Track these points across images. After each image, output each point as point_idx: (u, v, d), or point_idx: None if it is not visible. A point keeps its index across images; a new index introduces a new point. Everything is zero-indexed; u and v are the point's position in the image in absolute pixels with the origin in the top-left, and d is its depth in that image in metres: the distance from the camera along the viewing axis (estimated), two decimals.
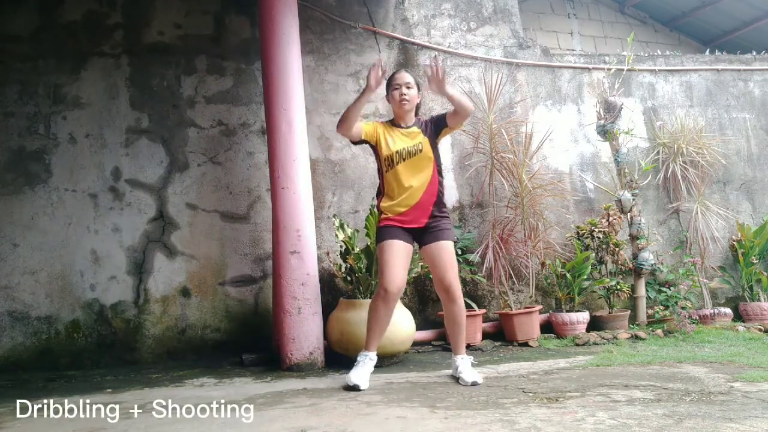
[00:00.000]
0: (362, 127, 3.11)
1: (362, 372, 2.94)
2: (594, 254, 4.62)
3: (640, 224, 4.74)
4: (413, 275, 4.11)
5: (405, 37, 4.95)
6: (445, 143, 4.87)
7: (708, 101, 5.56)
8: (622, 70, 5.15)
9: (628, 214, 4.77)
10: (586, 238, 4.66)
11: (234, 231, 4.40)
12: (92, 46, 4.41)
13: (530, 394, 2.61)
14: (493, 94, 4.76)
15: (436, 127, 3.15)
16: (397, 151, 3.06)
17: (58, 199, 4.22)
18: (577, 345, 4.12)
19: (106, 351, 4.10)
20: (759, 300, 4.96)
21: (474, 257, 4.51)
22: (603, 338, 4.17)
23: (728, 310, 4.87)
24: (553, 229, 4.85)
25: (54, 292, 4.12)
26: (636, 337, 4.19)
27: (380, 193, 3.17)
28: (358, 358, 3.03)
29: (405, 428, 2.13)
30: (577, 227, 4.77)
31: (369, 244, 3.73)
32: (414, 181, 3.04)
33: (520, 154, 4.68)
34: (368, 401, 2.61)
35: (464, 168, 4.84)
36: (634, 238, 4.75)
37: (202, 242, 4.34)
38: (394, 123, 3.19)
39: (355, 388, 2.84)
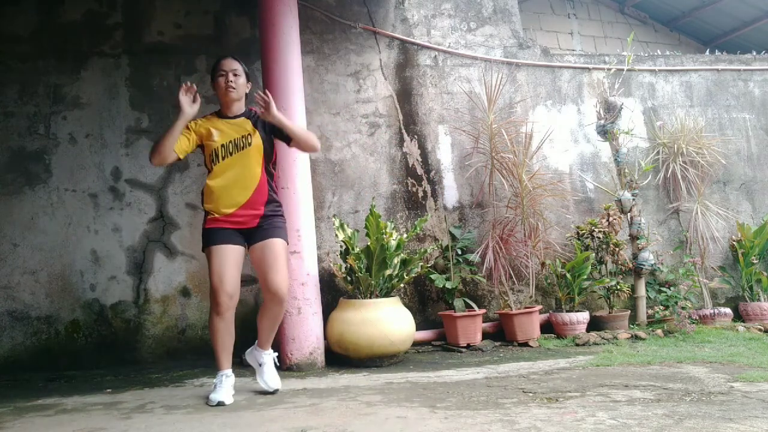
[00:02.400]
0: (178, 148, 2.78)
1: (224, 391, 2.72)
2: (594, 254, 4.62)
3: (640, 224, 4.74)
4: (413, 275, 4.12)
5: (405, 37, 4.95)
6: (445, 143, 4.88)
7: (708, 101, 5.56)
8: (622, 70, 5.15)
9: (628, 214, 4.77)
10: (586, 238, 4.66)
11: None
12: (92, 46, 4.41)
13: (530, 394, 2.61)
14: (493, 94, 4.76)
15: (271, 130, 2.88)
16: (222, 145, 2.80)
17: (58, 199, 4.22)
18: (577, 345, 4.11)
19: (106, 351, 4.10)
20: (759, 300, 4.96)
21: (474, 257, 4.51)
22: (603, 338, 4.17)
23: (728, 310, 4.87)
24: (553, 229, 4.85)
25: (54, 292, 4.12)
26: (636, 337, 4.19)
27: (206, 191, 2.88)
28: (215, 380, 2.80)
29: (405, 428, 2.13)
30: (577, 227, 4.77)
31: (369, 244, 3.73)
32: (239, 179, 2.79)
33: (520, 154, 4.68)
34: (368, 401, 2.61)
35: (464, 168, 4.84)
36: (634, 238, 4.75)
37: None
38: (219, 114, 2.92)
39: (221, 404, 2.65)
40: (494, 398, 2.56)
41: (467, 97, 4.97)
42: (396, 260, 3.86)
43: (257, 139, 2.85)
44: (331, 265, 4.20)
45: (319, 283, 3.79)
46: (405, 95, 4.88)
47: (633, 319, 4.66)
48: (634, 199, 4.75)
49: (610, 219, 4.65)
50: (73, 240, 4.20)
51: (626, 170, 4.84)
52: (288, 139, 2.87)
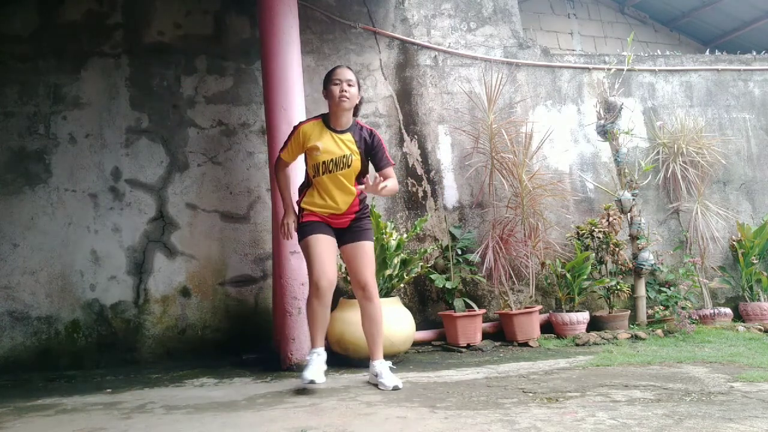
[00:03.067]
0: (289, 158, 3.05)
1: (315, 368, 2.84)
2: (594, 254, 4.62)
3: (640, 224, 4.74)
4: (413, 275, 4.12)
5: (405, 37, 4.95)
6: (445, 143, 4.88)
7: (708, 101, 5.56)
8: (622, 70, 5.15)
9: (628, 214, 4.77)
10: (586, 238, 4.66)
11: (234, 231, 4.40)
12: (92, 46, 4.41)
13: (530, 394, 2.61)
14: (493, 94, 4.76)
15: (368, 152, 3.01)
16: (323, 162, 2.91)
17: (58, 199, 4.22)
18: (577, 345, 4.11)
19: (106, 351, 4.10)
20: (759, 300, 4.96)
21: (474, 257, 4.51)
22: (603, 338, 4.17)
23: (728, 310, 4.87)
24: (553, 229, 4.85)
25: (54, 292, 4.12)
26: (636, 337, 4.19)
27: (303, 190, 3.07)
28: (308, 357, 2.96)
29: (405, 428, 2.13)
30: (577, 227, 4.77)
31: None
32: (338, 193, 2.96)
33: (520, 154, 4.68)
34: (368, 401, 2.61)
35: (464, 168, 4.84)
36: (634, 238, 4.75)
37: (202, 242, 4.34)
38: (327, 123, 2.99)
39: (311, 383, 2.79)
40: (494, 398, 2.56)
41: (467, 97, 4.97)
42: (396, 260, 3.86)
43: (356, 162, 2.96)
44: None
45: None
46: (405, 95, 4.88)
47: (633, 319, 4.66)
48: (634, 199, 4.75)
49: (610, 219, 4.65)
50: (73, 240, 4.20)
51: (626, 170, 4.84)
52: (376, 166, 3.04)
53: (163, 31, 4.53)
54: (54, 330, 4.08)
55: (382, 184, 2.84)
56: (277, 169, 3.15)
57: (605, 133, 4.86)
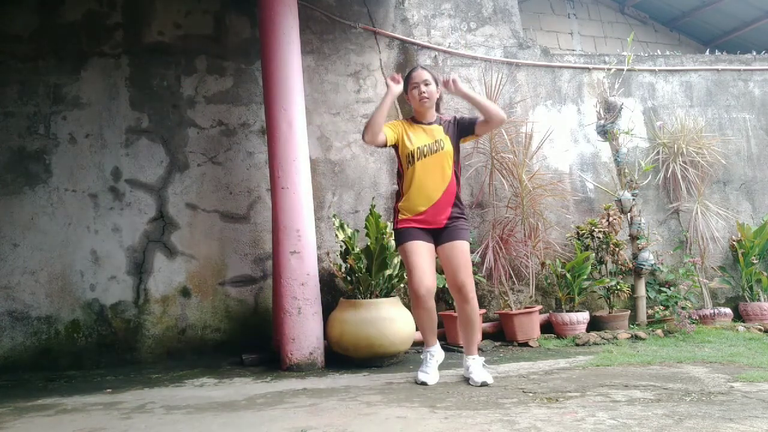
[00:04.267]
0: (385, 132, 3.06)
1: (429, 370, 3.04)
2: (594, 254, 4.62)
3: (640, 224, 4.74)
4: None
5: (405, 37, 4.95)
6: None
7: (708, 101, 5.56)
8: (622, 70, 5.15)
9: (628, 214, 4.77)
10: (586, 238, 4.66)
11: (234, 231, 4.40)
12: (92, 46, 4.41)
13: (530, 394, 2.61)
14: (493, 94, 4.76)
15: (460, 130, 3.12)
16: (418, 148, 3.03)
17: (58, 199, 4.22)
18: (577, 345, 4.11)
19: (106, 351, 4.10)
20: (759, 300, 4.96)
21: (474, 257, 4.50)
22: (603, 338, 4.17)
23: (728, 310, 4.87)
24: (553, 229, 4.85)
25: (54, 292, 4.12)
26: (636, 337, 4.19)
27: (399, 193, 3.16)
28: (422, 357, 3.15)
29: (405, 428, 2.13)
30: (577, 227, 4.77)
31: (369, 244, 3.73)
32: (434, 179, 3.02)
33: (520, 154, 4.68)
34: (368, 401, 2.61)
35: (464, 168, 4.83)
36: (634, 238, 4.75)
37: (202, 242, 4.34)
38: (414, 120, 3.17)
39: (424, 384, 2.94)
40: (494, 398, 2.56)
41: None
42: (396, 260, 3.86)
43: (448, 144, 3.06)
44: (331, 265, 4.20)
45: (319, 283, 3.78)
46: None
47: (633, 319, 4.66)
48: (634, 199, 4.75)
49: (610, 219, 4.65)
50: (73, 240, 4.20)
51: (626, 170, 4.84)
52: (472, 129, 3.10)
53: (163, 31, 4.53)
54: (54, 330, 4.08)
55: (454, 79, 2.99)
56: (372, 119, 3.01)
57: (605, 133, 4.86)
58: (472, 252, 4.54)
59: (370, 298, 3.75)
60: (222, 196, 4.43)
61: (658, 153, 5.23)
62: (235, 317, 4.31)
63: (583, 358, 3.53)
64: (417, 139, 3.06)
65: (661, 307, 4.64)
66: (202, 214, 4.38)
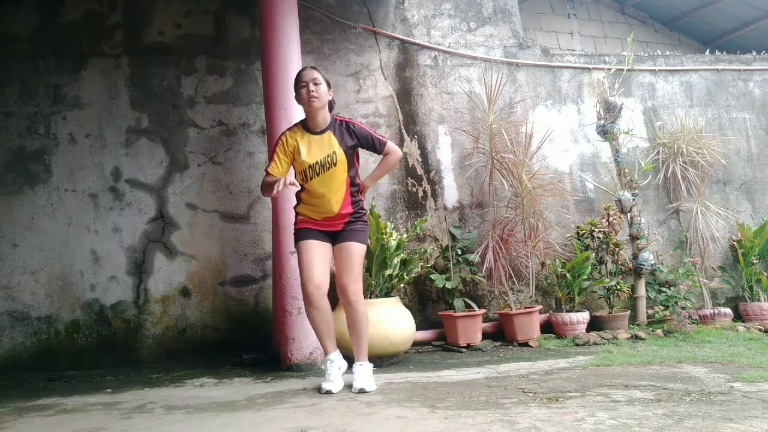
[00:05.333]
0: (278, 171, 2.94)
1: (332, 379, 2.90)
2: (594, 254, 4.62)
3: (640, 224, 4.74)
4: (413, 275, 4.12)
5: (405, 37, 4.95)
6: (445, 143, 4.88)
7: (708, 101, 5.56)
8: (622, 70, 5.15)
9: (628, 214, 4.77)
10: (586, 238, 4.66)
11: (234, 231, 4.40)
12: (92, 46, 4.41)
13: (530, 394, 2.61)
14: (493, 94, 4.76)
15: (359, 144, 3.01)
16: (310, 167, 2.91)
17: (58, 199, 4.22)
18: (577, 345, 4.11)
19: (106, 351, 4.10)
20: (759, 300, 4.96)
21: (474, 257, 4.51)
22: (603, 338, 4.17)
23: (728, 310, 4.87)
24: (553, 229, 4.85)
25: (54, 292, 4.12)
26: (636, 337, 4.19)
27: (299, 197, 3.07)
28: (323, 367, 2.99)
29: (405, 428, 2.13)
30: (577, 227, 4.77)
31: (369, 244, 3.73)
32: (330, 193, 2.93)
33: (520, 154, 4.68)
34: (368, 401, 2.61)
35: (464, 168, 4.84)
36: (634, 238, 4.75)
37: (202, 242, 4.34)
38: (306, 126, 3.00)
39: (329, 393, 2.80)
40: (494, 398, 2.56)
41: (467, 97, 4.97)
42: (396, 260, 3.86)
43: (341, 156, 2.94)
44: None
45: None
46: (405, 95, 4.88)
47: (633, 319, 4.66)
48: (634, 199, 4.75)
49: (610, 219, 4.65)
50: (73, 240, 4.20)
51: (626, 170, 4.84)
52: (374, 151, 3.10)
53: (163, 31, 4.53)
54: (54, 330, 4.08)
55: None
56: (263, 185, 3.00)
57: (605, 133, 4.86)
58: (471, 252, 4.57)
59: (370, 298, 3.75)
60: (222, 196, 4.43)
61: (658, 153, 5.23)
62: (235, 317, 4.31)
63: (583, 358, 3.53)
64: (310, 154, 2.92)
65: (661, 307, 4.64)
66: (202, 214, 4.38)
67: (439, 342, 4.33)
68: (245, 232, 4.42)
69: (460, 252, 4.56)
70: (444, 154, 4.86)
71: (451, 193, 4.82)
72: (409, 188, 4.74)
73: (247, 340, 4.20)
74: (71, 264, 4.17)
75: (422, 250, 4.25)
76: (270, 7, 3.87)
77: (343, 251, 2.97)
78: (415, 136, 4.83)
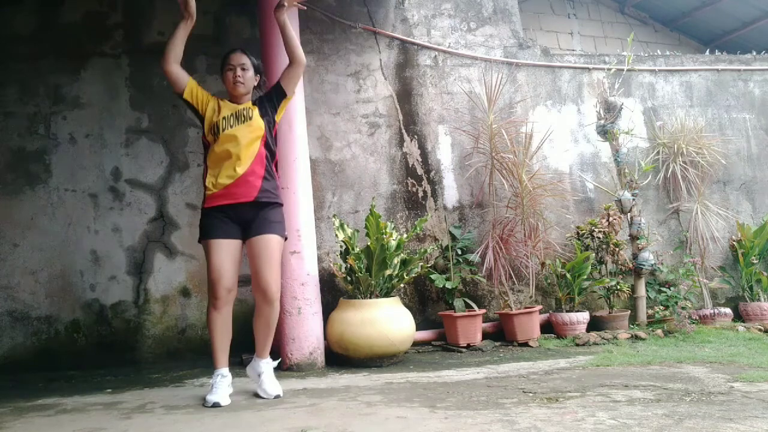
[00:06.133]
0: (190, 83, 2.83)
1: (220, 393, 2.69)
2: (594, 254, 4.62)
3: (640, 224, 4.74)
4: (413, 275, 4.12)
5: (405, 37, 4.95)
6: (445, 143, 4.88)
7: (708, 101, 5.56)
8: (622, 70, 5.15)
9: (628, 214, 4.77)
10: (586, 238, 4.66)
11: None
12: (92, 46, 4.41)
13: (530, 394, 2.61)
14: (493, 94, 4.76)
15: (271, 101, 2.90)
16: (223, 117, 2.79)
17: (58, 199, 4.22)
18: (577, 345, 4.11)
19: (106, 351, 4.10)
20: (759, 300, 4.96)
21: (474, 257, 4.51)
22: (603, 338, 4.17)
23: (728, 310, 4.87)
24: (553, 229, 4.85)
25: (54, 292, 4.12)
26: (636, 337, 4.19)
27: (206, 164, 2.89)
28: (211, 381, 2.76)
29: (405, 428, 2.13)
30: (577, 227, 4.77)
31: (369, 244, 3.73)
32: (240, 149, 2.74)
33: (520, 154, 4.68)
34: (368, 401, 2.61)
35: (464, 168, 4.84)
36: (634, 238, 4.75)
37: None
38: (228, 100, 2.91)
39: (216, 406, 2.62)
40: (494, 398, 2.56)
41: (467, 97, 4.97)
42: (396, 260, 3.86)
43: (257, 117, 2.82)
44: (331, 265, 4.20)
45: (319, 283, 3.79)
46: (405, 95, 4.88)
47: (633, 319, 4.66)
48: (634, 199, 4.75)
49: (610, 219, 4.65)
50: (73, 240, 4.20)
51: (626, 170, 4.84)
52: (279, 87, 2.92)
53: (163, 31, 4.53)
54: (54, 330, 4.08)
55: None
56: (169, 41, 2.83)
57: (605, 133, 4.86)
58: (471, 252, 4.56)
59: (370, 298, 3.75)
60: None
61: (658, 153, 5.23)
62: (235, 317, 4.25)
63: (583, 358, 3.53)
64: (222, 110, 2.82)
65: (661, 307, 4.64)
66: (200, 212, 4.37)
67: (439, 342, 4.33)
68: None
69: (460, 252, 4.56)
70: (444, 154, 4.86)
71: (451, 193, 4.82)
72: (409, 188, 4.74)
73: (247, 340, 4.18)
74: (71, 264, 4.17)
75: (422, 250, 4.25)
76: (270, 7, 3.86)
77: (261, 245, 2.73)
78: (415, 136, 4.83)
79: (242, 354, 3.93)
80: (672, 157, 5.18)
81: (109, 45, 4.44)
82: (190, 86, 2.85)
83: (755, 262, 5.00)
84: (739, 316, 4.98)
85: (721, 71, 5.64)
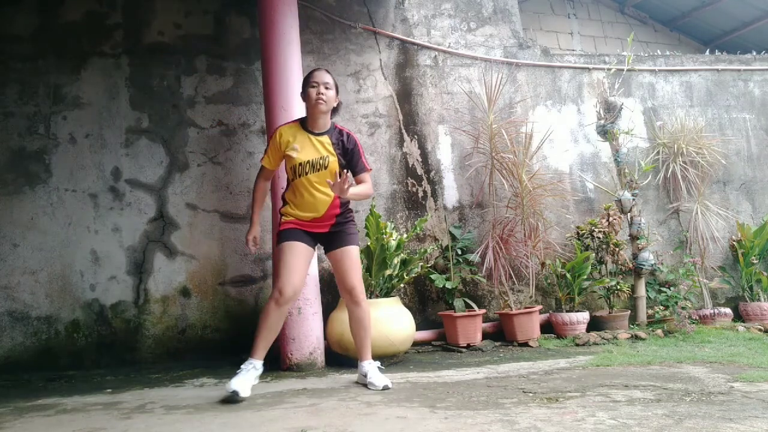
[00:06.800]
0: (270, 164, 3.03)
1: (244, 379, 2.75)
2: (594, 254, 4.62)
3: (640, 224, 4.74)
4: (413, 275, 4.12)
5: (405, 37, 4.95)
6: (445, 143, 4.88)
7: (708, 101, 5.56)
8: (622, 70, 5.15)
9: (628, 214, 4.77)
10: (586, 238, 4.66)
11: (234, 231, 4.40)
12: (92, 46, 4.41)
13: (530, 394, 2.61)
14: (493, 94, 4.76)
15: (344, 155, 3.00)
16: (300, 164, 2.91)
17: (58, 199, 4.22)
18: (577, 345, 4.11)
19: (106, 351, 4.10)
20: (759, 300, 4.96)
21: (474, 257, 4.51)
22: (603, 338, 4.17)
23: (728, 310, 4.87)
24: (553, 229, 4.85)
25: (54, 292, 4.12)
26: (636, 337, 4.19)
27: (284, 199, 3.06)
28: (242, 366, 2.83)
29: (405, 428, 2.13)
30: (577, 227, 4.77)
31: (369, 244, 3.73)
32: (317, 196, 2.93)
33: (520, 154, 4.68)
34: (368, 401, 2.61)
35: (464, 168, 4.84)
36: (634, 238, 4.75)
37: (202, 242, 4.34)
38: (305, 125, 2.99)
39: (234, 395, 2.65)
40: (494, 398, 2.56)
41: (467, 97, 4.97)
42: (396, 260, 3.86)
43: (333, 163, 2.94)
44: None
45: (319, 283, 3.79)
46: (405, 95, 4.88)
47: (633, 319, 4.66)
48: (634, 199, 4.75)
49: (610, 219, 4.65)
50: (73, 240, 4.20)
51: (626, 170, 4.84)
52: (352, 172, 3.05)
53: (163, 31, 4.53)
54: (54, 330, 4.08)
55: (348, 184, 2.76)
56: (258, 178, 3.11)
57: (605, 133, 4.86)
58: (471, 252, 4.57)
59: (370, 298, 3.75)
60: (222, 196, 4.43)
61: (658, 153, 5.23)
62: (235, 317, 4.31)
63: (583, 358, 3.53)
64: (303, 151, 2.91)
65: (661, 307, 4.64)
66: (202, 214, 4.38)
67: (439, 342, 4.33)
68: (245, 232, 4.40)
69: (460, 252, 4.57)
70: (444, 154, 4.86)
71: (451, 193, 4.82)
72: (409, 188, 4.74)
73: (248, 340, 4.18)
74: (71, 264, 4.17)
75: (422, 250, 4.25)
76: (270, 7, 3.87)
77: (344, 255, 2.98)
78: (415, 136, 4.83)
79: (242, 354, 3.93)
80: (672, 157, 5.18)
81: (109, 45, 4.44)
82: (276, 161, 3.04)
83: (755, 262, 5.00)
84: (739, 316, 4.98)
85: (721, 71, 5.64)
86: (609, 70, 5.11)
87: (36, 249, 4.14)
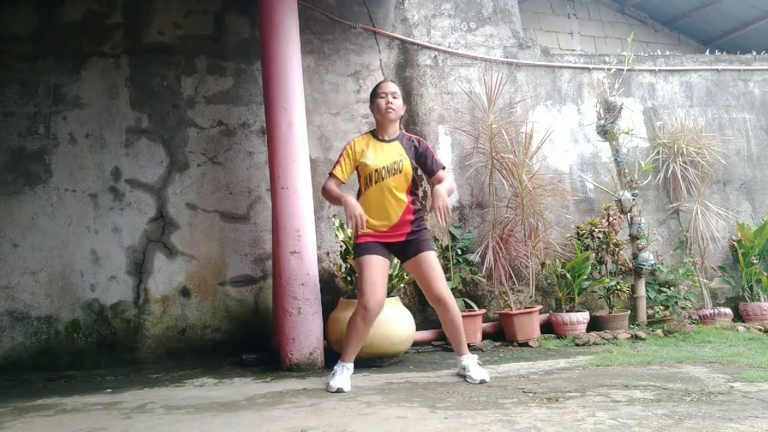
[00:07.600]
0: (342, 174, 3.10)
1: (342, 377, 2.95)
2: (594, 254, 4.62)
3: (640, 224, 4.74)
4: (413, 276, 4.11)
5: (405, 37, 4.95)
6: (445, 143, 4.88)
7: (708, 101, 5.56)
8: (622, 70, 5.15)
9: (628, 214, 4.77)
10: (586, 238, 4.66)
11: (234, 231, 4.40)
12: (92, 46, 4.41)
13: (530, 394, 2.61)
14: (493, 94, 4.76)
15: (418, 159, 3.14)
16: (376, 170, 3.04)
17: (58, 199, 4.22)
18: (577, 345, 4.11)
19: (106, 351, 4.11)
20: (759, 300, 4.96)
21: (474, 257, 4.51)
22: (603, 338, 4.17)
23: (728, 310, 4.87)
24: (553, 229, 4.85)
25: (54, 292, 4.12)
26: (636, 337, 4.18)
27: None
28: (336, 368, 3.01)
29: (405, 428, 2.13)
30: (577, 227, 4.77)
31: None
32: (391, 202, 3.04)
33: (520, 154, 4.68)
34: (368, 401, 2.61)
35: (464, 168, 4.84)
36: (634, 238, 4.75)
37: (202, 242, 4.34)
38: (376, 135, 3.16)
39: (340, 391, 2.85)
40: (494, 398, 2.56)
41: (467, 97, 4.97)
42: (396, 260, 3.86)
43: (407, 166, 3.07)
44: (331, 265, 4.20)
45: (319, 283, 3.78)
46: (405, 95, 4.86)
47: (633, 319, 4.66)
48: (634, 199, 4.75)
49: (610, 219, 4.65)
50: (73, 240, 4.20)
51: (626, 170, 4.84)
52: (426, 173, 3.20)
53: (163, 31, 4.53)
54: (54, 330, 4.08)
55: (438, 201, 2.90)
56: (327, 188, 3.11)
57: (605, 133, 4.86)
58: (471, 252, 4.57)
59: None
60: (222, 196, 4.43)
61: (658, 153, 5.23)
62: (235, 317, 4.31)
63: (583, 358, 3.53)
64: (377, 158, 3.05)
65: (661, 307, 4.64)
66: (202, 214, 4.38)
67: (439, 342, 4.33)
68: (245, 232, 4.42)
69: (460, 252, 4.56)
70: (444, 154, 4.86)
71: None
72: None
73: (247, 340, 4.21)
74: (71, 264, 4.17)
75: None
76: (270, 7, 3.87)
77: (424, 262, 3.04)
78: None
79: (242, 354, 3.93)
80: (672, 157, 5.18)
81: (109, 45, 4.44)
82: (349, 171, 3.13)
83: (755, 262, 5.00)
84: (739, 316, 4.97)
85: (721, 71, 5.64)
86: (609, 70, 5.11)
87: (36, 249, 4.14)
